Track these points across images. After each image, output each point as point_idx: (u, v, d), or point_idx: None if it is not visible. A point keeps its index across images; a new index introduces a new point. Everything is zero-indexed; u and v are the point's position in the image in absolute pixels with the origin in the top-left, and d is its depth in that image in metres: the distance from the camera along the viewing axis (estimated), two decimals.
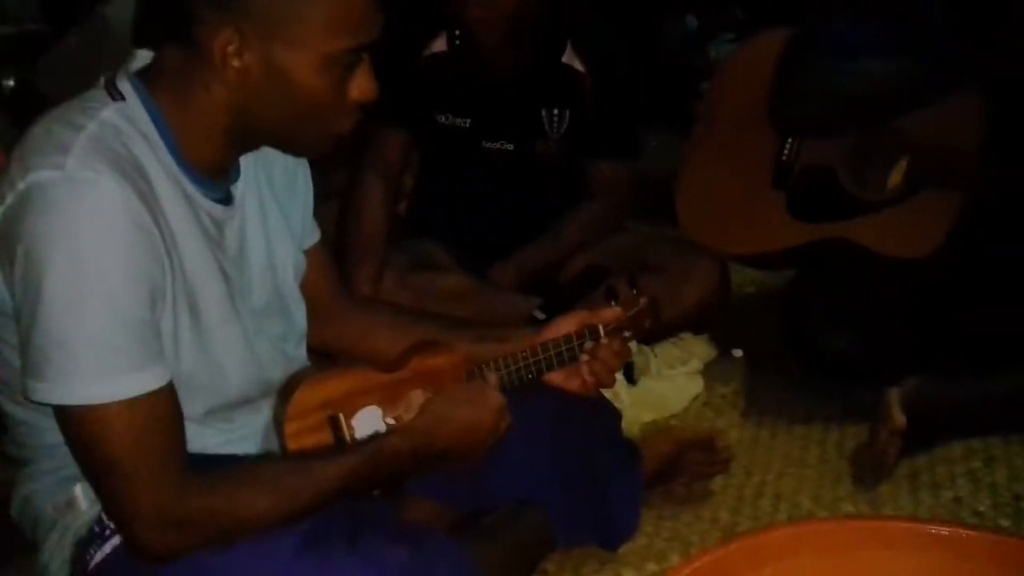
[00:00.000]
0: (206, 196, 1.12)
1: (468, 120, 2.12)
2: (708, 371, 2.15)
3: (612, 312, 1.40)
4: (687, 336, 2.20)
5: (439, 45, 2.10)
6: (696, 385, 2.10)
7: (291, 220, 1.25)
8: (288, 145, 1.16)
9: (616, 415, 1.54)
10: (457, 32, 2.07)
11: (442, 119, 2.12)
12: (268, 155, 1.20)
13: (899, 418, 1.74)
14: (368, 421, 1.24)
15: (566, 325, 1.38)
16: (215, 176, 1.13)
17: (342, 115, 1.12)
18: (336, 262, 2.10)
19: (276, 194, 1.23)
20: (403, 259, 2.17)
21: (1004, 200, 1.90)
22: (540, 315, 2.17)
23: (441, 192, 2.24)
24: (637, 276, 1.50)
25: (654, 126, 3.01)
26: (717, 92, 2.30)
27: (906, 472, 1.79)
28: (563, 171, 2.18)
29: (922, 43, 1.93)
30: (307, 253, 1.30)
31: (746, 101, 2.16)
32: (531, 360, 1.35)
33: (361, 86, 1.10)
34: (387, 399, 1.26)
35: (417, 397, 1.26)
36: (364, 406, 1.24)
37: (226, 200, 1.15)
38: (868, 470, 1.78)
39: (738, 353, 2.22)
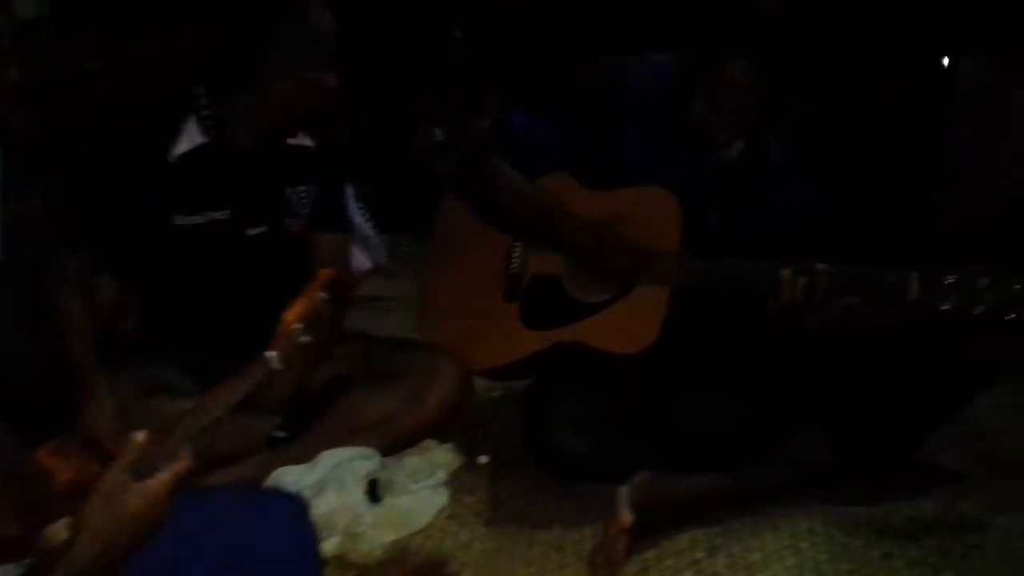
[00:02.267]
0: None
1: (227, 211, 2.07)
2: (454, 481, 2.14)
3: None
4: (432, 444, 2.19)
5: (189, 140, 2.04)
6: (441, 497, 2.09)
7: None
8: None
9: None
10: (210, 122, 2.03)
11: (187, 220, 2.04)
12: None
13: (625, 516, 1.81)
14: None
15: None
16: None
17: None
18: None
19: None
20: (131, 385, 2.06)
21: (703, 297, 2.01)
22: (280, 434, 2.12)
23: (186, 301, 2.13)
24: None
25: (401, 233, 3.05)
26: (449, 212, 2.33)
27: (637, 568, 1.84)
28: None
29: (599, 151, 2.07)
30: None
31: (474, 219, 2.22)
32: None
33: None
34: None
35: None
36: None
37: None
38: (601, 568, 1.83)
39: (483, 460, 2.23)
